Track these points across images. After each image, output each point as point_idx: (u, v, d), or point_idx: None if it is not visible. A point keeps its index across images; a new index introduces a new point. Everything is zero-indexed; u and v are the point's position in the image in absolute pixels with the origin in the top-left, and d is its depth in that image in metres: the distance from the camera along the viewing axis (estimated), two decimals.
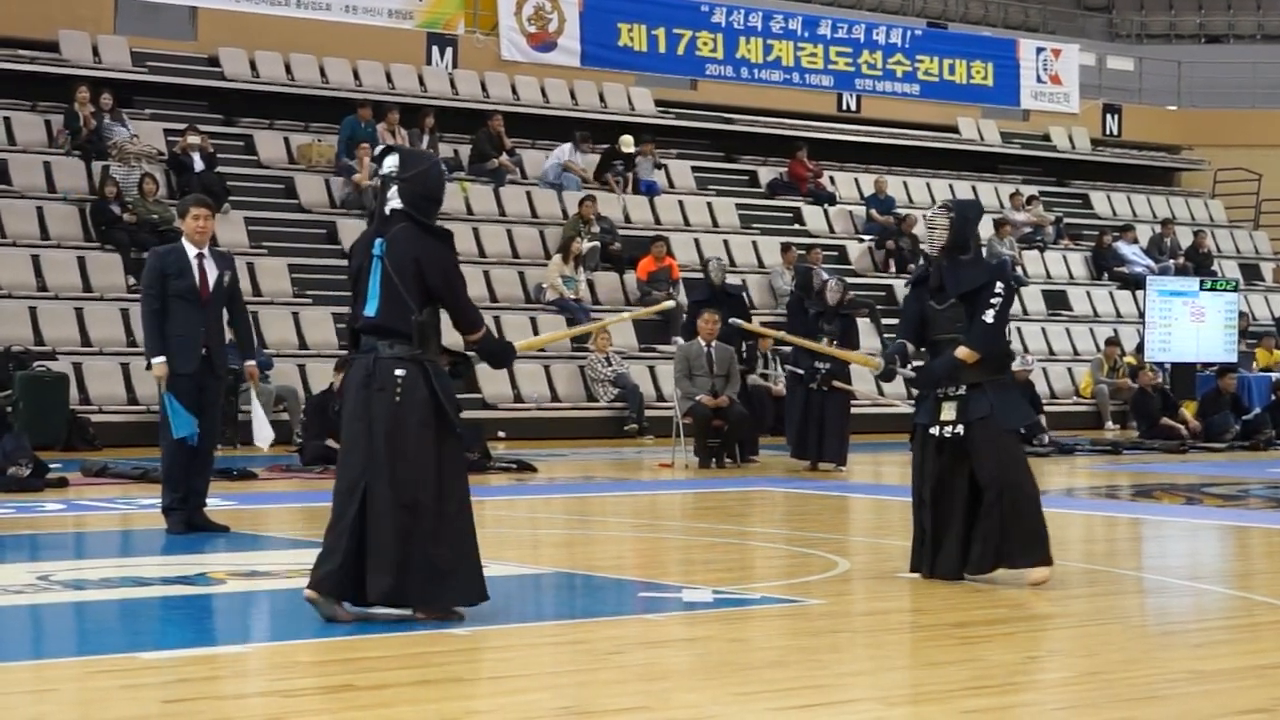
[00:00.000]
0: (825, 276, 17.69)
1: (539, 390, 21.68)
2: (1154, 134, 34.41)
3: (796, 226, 27.32)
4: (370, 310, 7.57)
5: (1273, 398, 23.00)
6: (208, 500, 11.19)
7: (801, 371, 17.21)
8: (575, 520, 12.64)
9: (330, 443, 15.96)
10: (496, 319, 22.38)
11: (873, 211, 27.91)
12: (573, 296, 22.98)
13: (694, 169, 27.64)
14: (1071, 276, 29.21)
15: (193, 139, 22.26)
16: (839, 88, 30.04)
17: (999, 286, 9.02)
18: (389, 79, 25.91)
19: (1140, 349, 25.40)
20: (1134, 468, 18.50)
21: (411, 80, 26.08)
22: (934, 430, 8.97)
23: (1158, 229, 30.66)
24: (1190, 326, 24.17)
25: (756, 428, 18.58)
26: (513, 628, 7.58)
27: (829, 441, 17.02)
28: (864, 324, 22.21)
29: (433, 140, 24.66)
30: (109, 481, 14.49)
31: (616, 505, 13.55)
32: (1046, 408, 21.60)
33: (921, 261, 9.76)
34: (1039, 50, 32.11)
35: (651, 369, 22.42)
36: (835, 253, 26.78)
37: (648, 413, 21.57)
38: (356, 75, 25.65)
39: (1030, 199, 30.09)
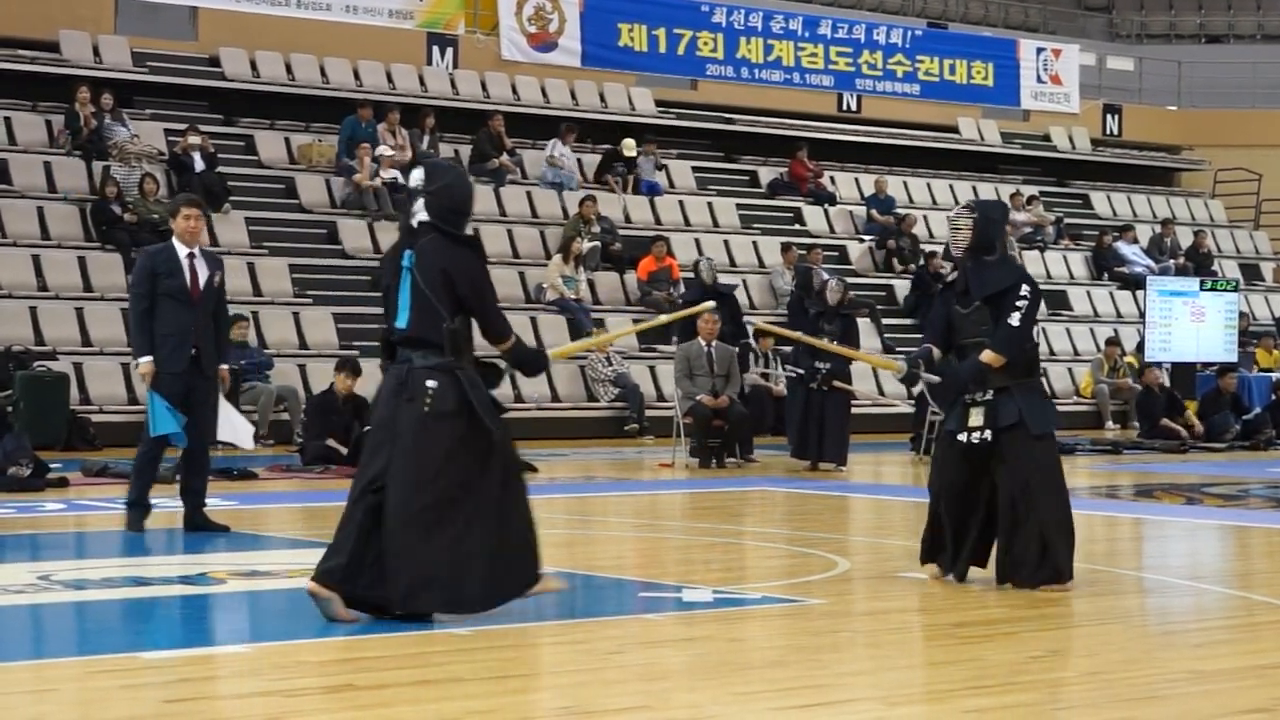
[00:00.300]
0: (826, 276, 17.69)
1: (539, 390, 21.68)
2: (1154, 134, 34.41)
3: (797, 227, 27.32)
4: (402, 322, 7.61)
5: (1273, 397, 23.01)
6: (207, 500, 11.18)
7: (802, 371, 17.21)
8: (576, 520, 12.64)
9: (330, 443, 15.99)
10: None
11: (873, 211, 27.92)
12: (573, 296, 22.99)
13: (694, 169, 27.65)
14: (1072, 276, 29.21)
15: (193, 139, 22.26)
16: (839, 88, 30.04)
17: (1025, 289, 8.81)
18: (389, 79, 25.91)
19: (1140, 349, 25.40)
20: (1134, 468, 18.50)
21: (412, 80, 26.08)
22: (962, 437, 8.78)
23: (1158, 229, 30.67)
24: (1190, 326, 24.17)
25: (754, 428, 18.59)
26: (513, 627, 7.58)
27: (829, 441, 17.02)
28: (864, 324, 22.22)
29: (433, 140, 24.67)
30: (109, 481, 14.48)
31: (617, 505, 13.55)
32: None
33: (951, 266, 9.61)
34: (1039, 50, 32.11)
35: (652, 369, 22.43)
36: (835, 253, 26.78)
37: (648, 413, 21.57)
38: (357, 75, 25.66)
39: (1030, 199, 30.09)
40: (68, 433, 17.98)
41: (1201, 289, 24.88)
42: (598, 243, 23.86)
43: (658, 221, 25.75)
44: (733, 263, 25.35)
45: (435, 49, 26.46)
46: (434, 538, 7.43)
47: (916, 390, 9.65)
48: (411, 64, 26.18)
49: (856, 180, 29.09)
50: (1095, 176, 32.87)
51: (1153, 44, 37.18)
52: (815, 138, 29.04)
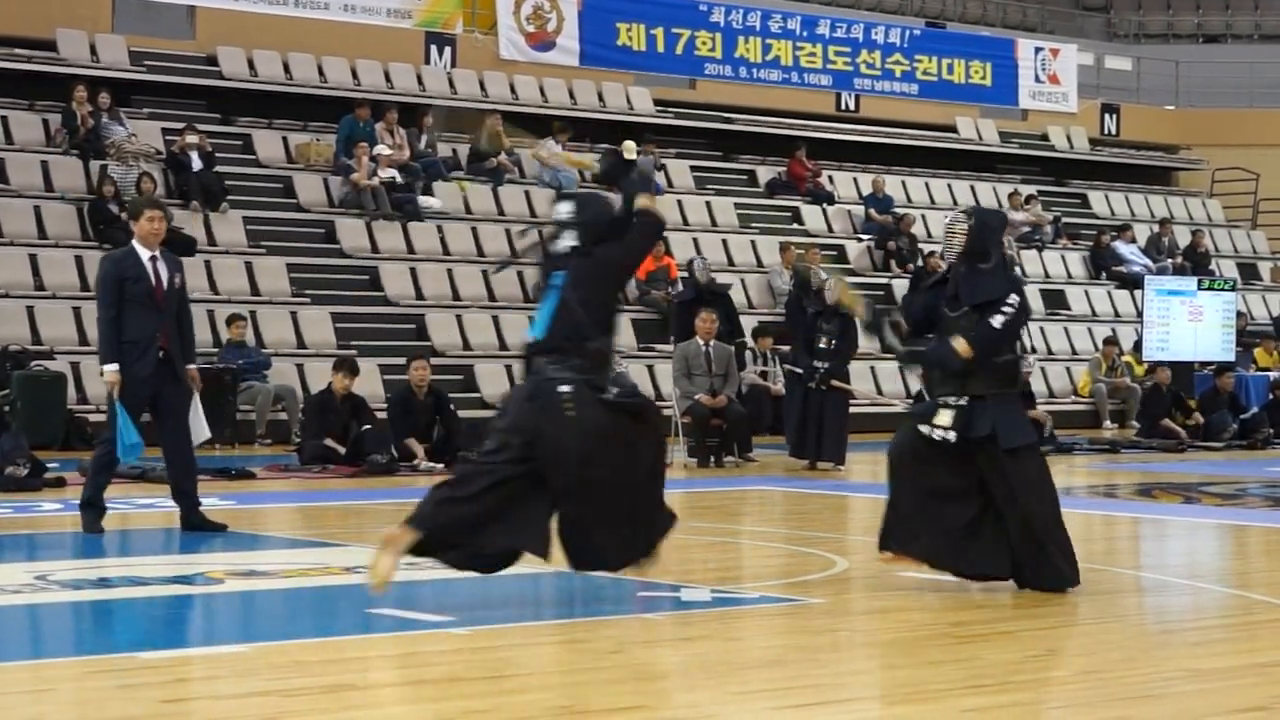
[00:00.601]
0: (824, 276, 17.69)
1: None
2: (1152, 134, 34.42)
3: (795, 226, 27.32)
4: (538, 333, 7.99)
5: (1270, 397, 23.01)
6: (205, 500, 11.17)
7: (800, 371, 17.21)
8: None
9: (328, 442, 15.98)
10: (495, 318, 22.40)
11: (871, 211, 27.91)
12: None
13: (693, 168, 27.64)
14: (1069, 276, 29.21)
15: (191, 138, 22.25)
16: (838, 87, 30.03)
17: (1013, 298, 8.73)
18: (387, 78, 25.90)
19: (1138, 348, 25.41)
20: (1132, 467, 18.51)
21: (410, 79, 26.07)
22: (923, 428, 8.69)
23: (1155, 228, 30.67)
24: (1188, 326, 24.17)
25: (752, 427, 18.59)
26: (511, 627, 7.58)
27: (827, 441, 17.02)
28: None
29: (431, 139, 24.66)
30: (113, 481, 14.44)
31: None
32: (1045, 407, 21.60)
33: (942, 270, 9.43)
34: (1037, 50, 32.10)
35: (650, 368, 22.41)
36: (834, 252, 26.78)
37: None
38: (355, 74, 25.65)
39: (1028, 198, 30.09)
40: (65, 432, 17.98)
41: (1199, 288, 24.88)
42: None
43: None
44: (731, 262, 25.35)
45: (433, 48, 26.45)
46: (601, 519, 7.86)
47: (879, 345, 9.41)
48: (410, 63, 26.17)
49: (855, 180, 29.09)
50: (1093, 176, 32.87)
51: (1150, 44, 37.19)
52: (813, 137, 29.04)
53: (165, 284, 10.76)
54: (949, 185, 30.15)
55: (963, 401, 8.63)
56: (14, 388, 17.83)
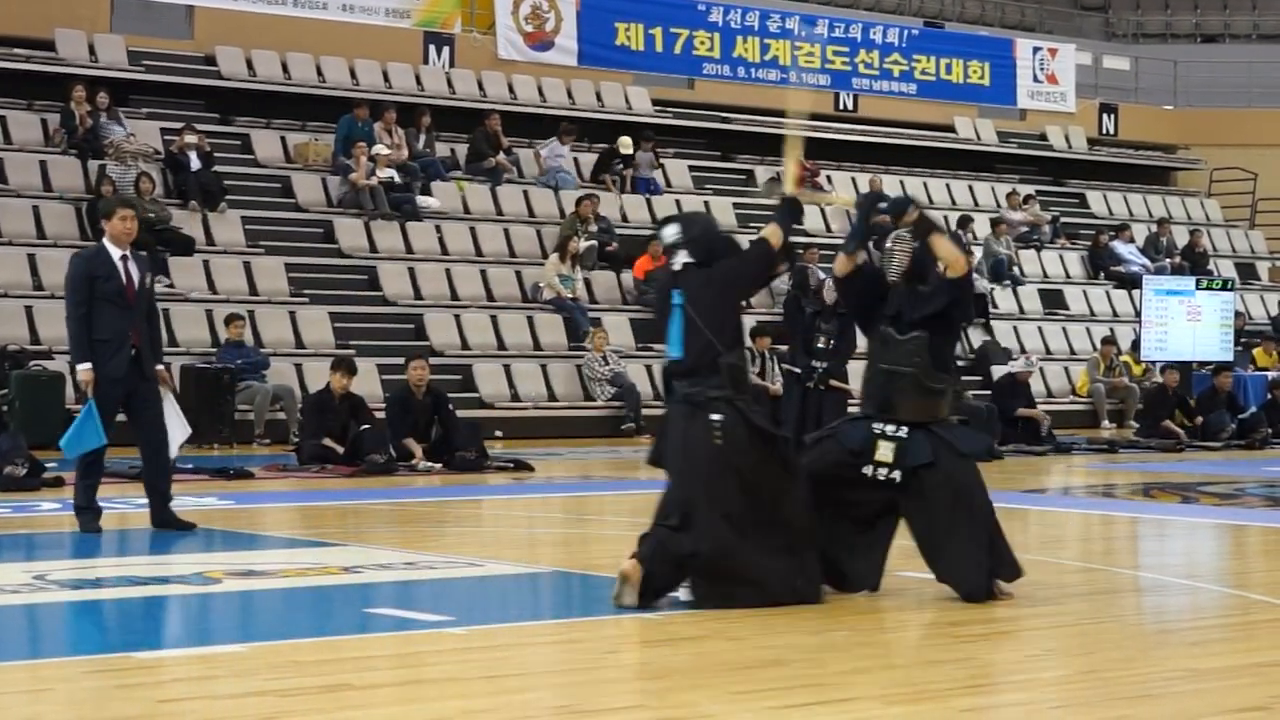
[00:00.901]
0: (822, 276, 17.69)
1: (536, 389, 21.68)
2: (1150, 133, 34.43)
3: (793, 226, 27.26)
4: (676, 353, 8.17)
5: (1268, 397, 23.02)
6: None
7: (798, 371, 17.19)
8: (572, 519, 12.64)
9: (327, 442, 15.97)
10: (493, 318, 22.40)
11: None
12: (570, 296, 22.98)
13: (691, 168, 27.64)
14: (1068, 276, 29.22)
15: (189, 138, 22.24)
16: (836, 87, 30.03)
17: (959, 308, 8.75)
18: (386, 78, 25.90)
19: (1136, 348, 25.41)
20: (1130, 466, 18.51)
21: (408, 79, 26.07)
22: (867, 470, 8.42)
23: (1154, 228, 30.68)
24: (1186, 326, 24.17)
25: None
26: (509, 627, 7.58)
27: None
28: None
29: (429, 139, 24.66)
30: (104, 480, 14.39)
31: (614, 504, 13.53)
32: (1043, 407, 21.58)
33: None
34: (1035, 50, 32.12)
35: (648, 368, 22.40)
36: (832, 252, 26.72)
37: (644, 412, 21.55)
38: (353, 74, 25.64)
39: (1027, 198, 30.10)
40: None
41: (1197, 288, 24.88)
42: (594, 242, 23.86)
43: (654, 220, 25.73)
44: None
45: (432, 48, 26.45)
46: (747, 544, 7.96)
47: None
48: (408, 63, 26.17)
49: (853, 179, 29.08)
50: (1091, 176, 32.88)
51: (1149, 43, 37.20)
52: (812, 137, 29.01)
53: (136, 283, 10.75)
54: (947, 185, 30.15)
55: (901, 433, 8.40)
56: (12, 387, 17.81)
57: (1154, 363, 24.94)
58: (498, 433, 20.17)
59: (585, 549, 10.95)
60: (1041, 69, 32.00)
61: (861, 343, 18.24)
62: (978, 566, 8.26)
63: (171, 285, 20.64)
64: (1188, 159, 34.53)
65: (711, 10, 28.41)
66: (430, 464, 15.94)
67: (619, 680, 6.47)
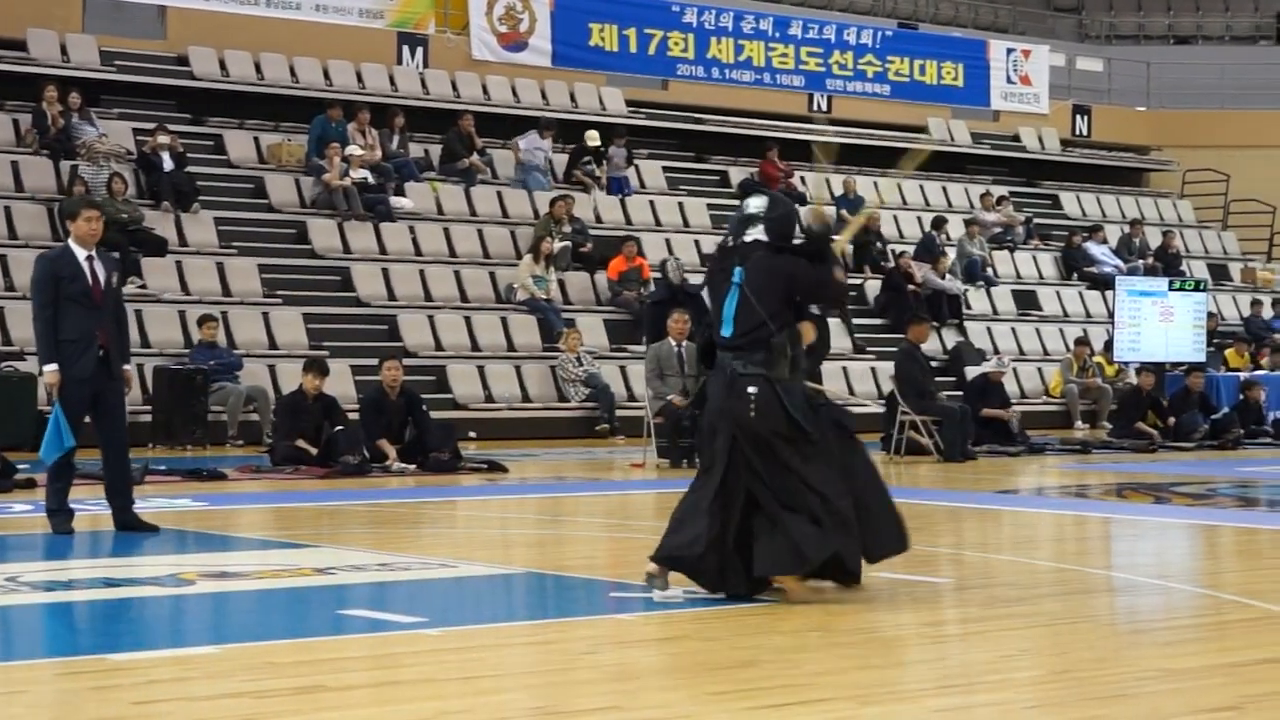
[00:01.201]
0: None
1: (510, 390, 21.67)
2: (1123, 135, 34.55)
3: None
4: (727, 331, 8.23)
5: (1240, 397, 23.11)
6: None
7: None
8: (546, 520, 12.64)
9: (300, 443, 15.94)
10: (467, 319, 22.39)
11: (843, 212, 27.90)
12: (544, 297, 22.98)
13: (665, 169, 27.66)
14: (1041, 276, 29.30)
15: (162, 139, 22.19)
16: (810, 88, 30.08)
17: None
18: (359, 78, 25.86)
19: (1109, 348, 25.48)
20: (1103, 467, 18.56)
21: (382, 80, 26.04)
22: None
23: (1127, 229, 30.79)
24: (1159, 326, 24.26)
25: None
26: (484, 628, 7.58)
27: None
28: (834, 323, 22.24)
29: (403, 140, 24.63)
30: (76, 482, 14.36)
31: (588, 505, 13.54)
32: (1016, 407, 21.63)
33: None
34: (1009, 51, 32.21)
35: (623, 369, 22.43)
36: None
37: (619, 413, 21.57)
38: (327, 75, 25.60)
39: (1000, 199, 30.18)
40: (35, 433, 17.85)
41: (1170, 289, 24.97)
42: (568, 243, 23.85)
43: (628, 221, 25.75)
44: (703, 263, 25.29)
45: (405, 49, 26.43)
46: (783, 520, 8.02)
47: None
48: (382, 63, 26.14)
49: (827, 180, 29.12)
50: (1064, 177, 32.98)
51: (1122, 45, 37.33)
52: (786, 138, 29.06)
53: (103, 283, 10.71)
54: (921, 186, 30.23)
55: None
56: None
57: (1127, 363, 25.02)
58: (471, 434, 20.16)
59: (559, 550, 10.94)
60: (1015, 70, 32.08)
61: (834, 343, 18.29)
62: None
63: (144, 286, 20.59)
64: (1160, 160, 34.66)
65: (685, 11, 28.43)
66: (404, 465, 15.92)
67: (594, 681, 6.48)
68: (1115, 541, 12.23)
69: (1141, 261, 29.71)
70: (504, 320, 22.53)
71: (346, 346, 20.99)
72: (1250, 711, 6.00)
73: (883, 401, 20.23)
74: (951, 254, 27.44)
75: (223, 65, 24.75)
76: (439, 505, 13.61)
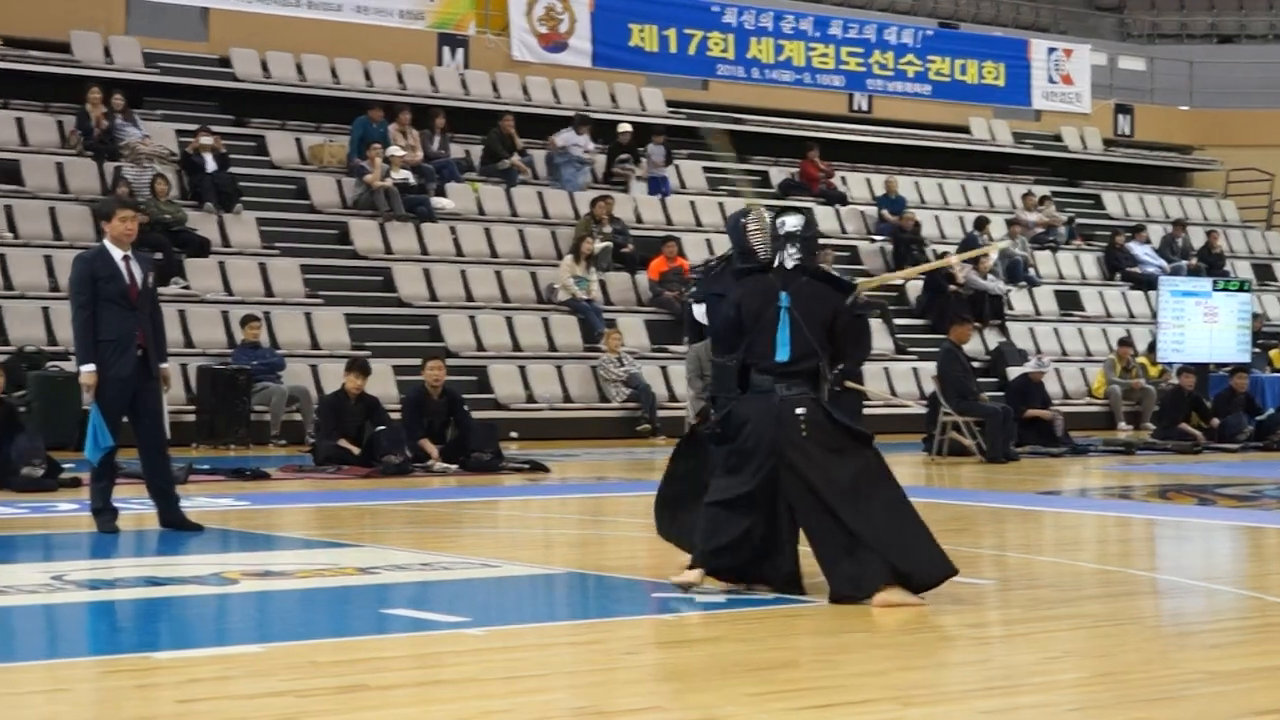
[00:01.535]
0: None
1: (551, 390, 21.69)
2: (1166, 134, 34.37)
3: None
4: (783, 356, 8.28)
5: None
6: (180, 497, 11.14)
7: None
8: (588, 520, 12.64)
9: (342, 443, 15.99)
10: (509, 319, 22.41)
11: (884, 212, 27.89)
12: (585, 297, 22.99)
13: (705, 169, 27.64)
14: (1084, 277, 29.18)
15: (205, 140, 22.29)
16: (850, 88, 30.03)
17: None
18: (400, 79, 25.92)
19: (1152, 349, 25.36)
20: (1147, 468, 18.46)
21: (423, 81, 26.09)
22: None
23: (1170, 229, 30.63)
24: (1203, 327, 24.13)
25: None
26: (527, 628, 7.58)
27: None
28: (876, 324, 22.21)
29: (444, 141, 24.68)
30: (122, 481, 14.42)
31: (629, 505, 13.53)
32: (1059, 408, 21.53)
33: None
34: (1050, 50, 32.08)
35: (664, 369, 22.42)
36: (847, 253, 26.76)
37: (660, 413, 21.56)
38: (368, 76, 25.68)
39: (1042, 199, 30.06)
40: (80, 433, 17.95)
41: (1214, 289, 24.85)
42: (609, 243, 23.86)
43: (669, 222, 25.74)
44: None
45: (446, 49, 26.48)
46: (837, 531, 8.16)
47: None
48: (422, 64, 26.20)
49: (868, 180, 29.08)
50: (1107, 177, 32.83)
51: (1164, 44, 37.13)
52: (826, 138, 29.02)
53: (139, 283, 10.75)
54: (962, 186, 30.14)
55: None
56: (30, 388, 17.86)
57: (1170, 364, 24.89)
58: (513, 434, 20.19)
59: (601, 550, 10.94)
60: (1056, 69, 31.95)
61: (876, 344, 18.24)
62: None
63: (188, 286, 20.69)
64: (1204, 160, 34.46)
65: (725, 11, 28.41)
66: (446, 465, 15.95)
67: (636, 681, 6.47)
68: (1159, 543, 12.16)
69: (1185, 262, 29.56)
70: (545, 320, 22.56)
71: (388, 346, 21.04)
72: None
73: (925, 402, 20.17)
74: (994, 255, 27.34)
75: (264, 66, 24.85)
76: (481, 505, 13.63)
